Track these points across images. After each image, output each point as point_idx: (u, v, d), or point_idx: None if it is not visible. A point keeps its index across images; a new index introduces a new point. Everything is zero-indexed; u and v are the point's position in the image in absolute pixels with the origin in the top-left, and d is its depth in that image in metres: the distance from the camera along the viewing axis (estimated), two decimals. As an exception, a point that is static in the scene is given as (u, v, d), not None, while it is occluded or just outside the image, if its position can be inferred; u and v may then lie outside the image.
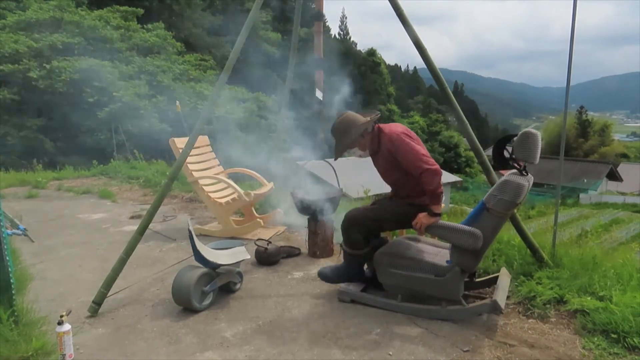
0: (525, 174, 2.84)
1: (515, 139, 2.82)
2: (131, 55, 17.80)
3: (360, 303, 3.21)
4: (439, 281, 2.91)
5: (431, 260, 2.98)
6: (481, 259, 3.14)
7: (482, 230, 2.78)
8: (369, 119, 3.13)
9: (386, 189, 3.41)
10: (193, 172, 4.87)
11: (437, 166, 2.94)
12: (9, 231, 4.68)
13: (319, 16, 4.32)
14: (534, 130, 2.80)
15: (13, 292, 2.73)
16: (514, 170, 2.87)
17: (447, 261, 2.99)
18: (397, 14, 3.52)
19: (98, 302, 3.10)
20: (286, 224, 5.23)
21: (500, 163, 2.93)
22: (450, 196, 19.75)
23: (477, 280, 3.32)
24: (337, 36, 44.49)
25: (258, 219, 4.94)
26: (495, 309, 2.84)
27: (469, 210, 10.27)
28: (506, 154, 2.91)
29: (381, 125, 3.17)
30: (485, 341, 2.70)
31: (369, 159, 3.31)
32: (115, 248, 3.49)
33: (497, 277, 3.24)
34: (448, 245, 3.35)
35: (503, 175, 2.93)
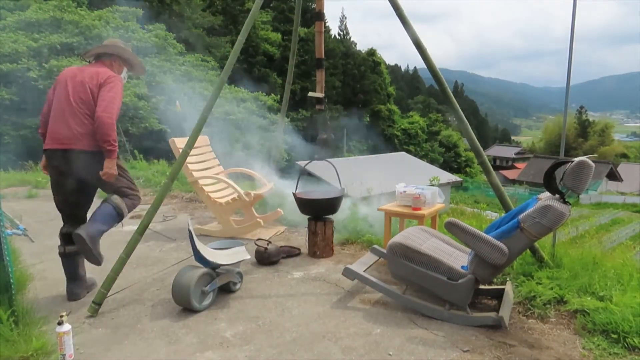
0: (567, 203, 2.75)
1: (570, 165, 2.74)
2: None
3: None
4: (451, 285, 2.89)
5: (447, 262, 2.94)
6: (499, 274, 3.11)
7: (510, 247, 2.76)
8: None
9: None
10: (193, 172, 4.87)
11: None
12: (9, 231, 4.68)
13: (320, 16, 4.31)
14: (590, 162, 2.72)
15: (13, 292, 2.73)
16: (556, 196, 2.77)
17: (462, 266, 2.97)
18: (397, 14, 3.52)
19: (98, 302, 3.10)
20: (286, 224, 5.23)
21: (549, 185, 2.81)
22: (450, 196, 19.75)
23: (481, 287, 3.23)
24: (337, 36, 44.44)
25: (258, 219, 4.94)
26: (499, 324, 2.81)
27: (469, 210, 10.26)
28: (557, 177, 2.80)
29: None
30: (485, 341, 2.70)
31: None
32: (115, 248, 3.48)
33: (501, 290, 3.19)
34: (463, 247, 3.33)
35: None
